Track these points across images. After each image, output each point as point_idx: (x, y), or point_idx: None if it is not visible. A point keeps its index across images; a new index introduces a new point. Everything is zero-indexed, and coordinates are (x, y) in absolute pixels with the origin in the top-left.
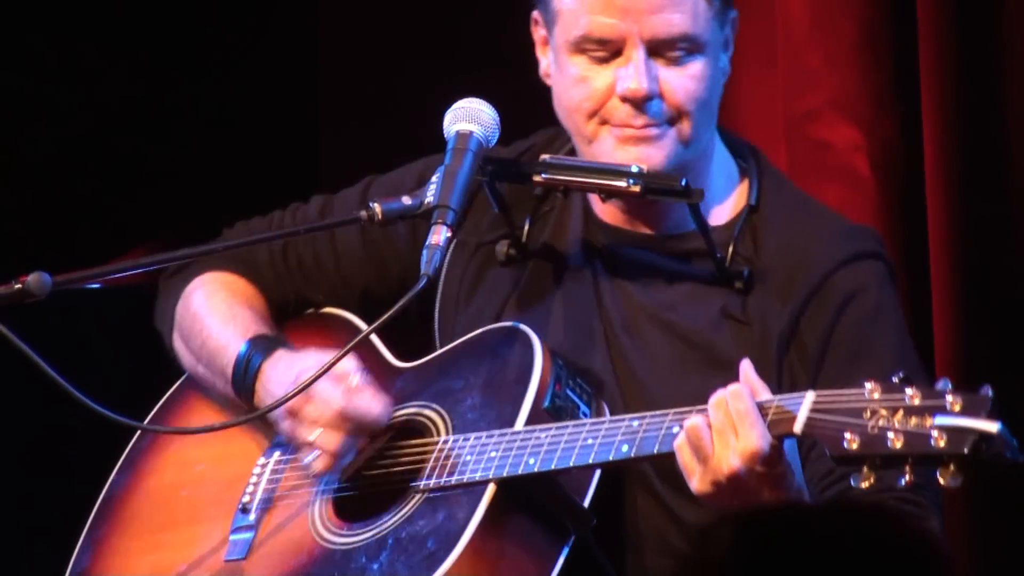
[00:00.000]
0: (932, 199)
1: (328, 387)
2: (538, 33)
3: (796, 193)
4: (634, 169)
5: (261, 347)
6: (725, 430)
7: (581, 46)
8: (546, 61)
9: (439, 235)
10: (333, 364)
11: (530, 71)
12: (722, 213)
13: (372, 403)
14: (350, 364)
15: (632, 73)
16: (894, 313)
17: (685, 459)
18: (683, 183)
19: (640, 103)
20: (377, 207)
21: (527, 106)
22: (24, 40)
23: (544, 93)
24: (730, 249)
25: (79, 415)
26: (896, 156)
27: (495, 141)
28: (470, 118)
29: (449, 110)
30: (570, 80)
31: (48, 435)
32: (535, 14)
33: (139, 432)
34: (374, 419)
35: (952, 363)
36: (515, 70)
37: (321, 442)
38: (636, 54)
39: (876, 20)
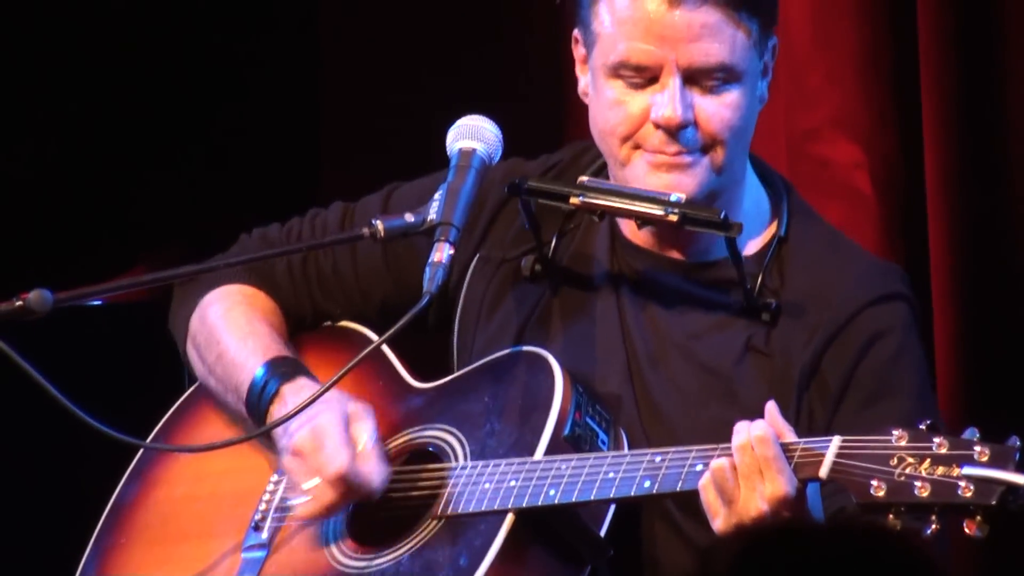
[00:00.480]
0: (933, 216)
1: (338, 444)
2: (578, 52)
3: (825, 228)
4: (673, 198)
5: (279, 372)
6: (752, 475)
7: (618, 71)
8: (585, 80)
9: (442, 252)
10: (337, 381)
11: (533, 97)
12: (751, 243)
13: (374, 474)
14: (367, 427)
15: (667, 100)
16: (916, 357)
17: (710, 499)
18: (722, 216)
19: (674, 131)
20: (379, 224)
21: (529, 133)
22: (27, 53)
23: (545, 119)
24: (758, 280)
25: (82, 428)
26: (897, 173)
27: (498, 158)
28: (473, 135)
29: (452, 127)
30: (606, 103)
31: (53, 445)
32: (576, 33)
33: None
34: (371, 491)
35: (954, 380)
36: (517, 97)
37: (316, 493)
38: (672, 81)
39: (876, 38)
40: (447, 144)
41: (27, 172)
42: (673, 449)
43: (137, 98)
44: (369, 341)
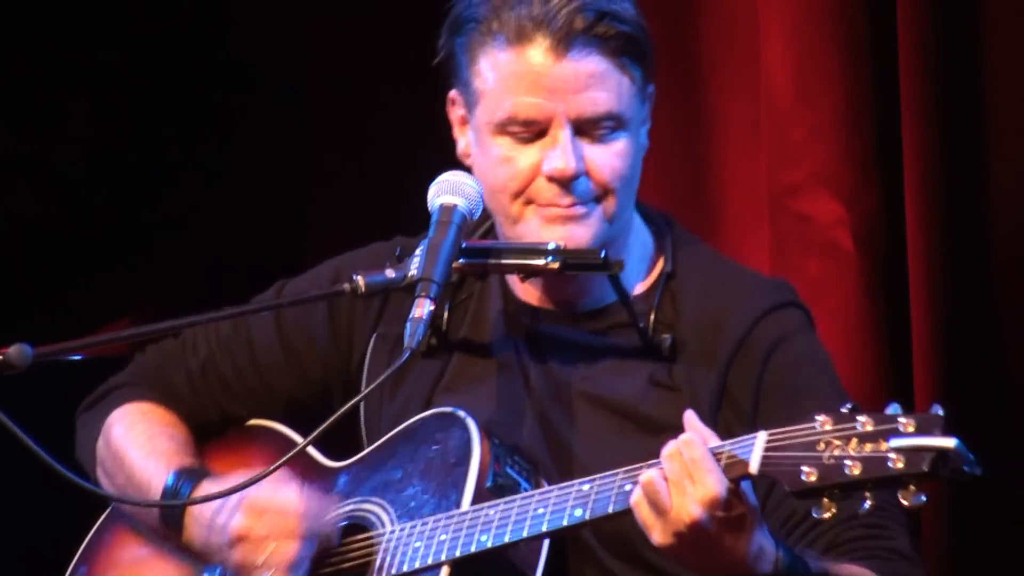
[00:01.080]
0: (914, 274)
1: (281, 498)
2: (455, 113)
3: (710, 254)
4: (551, 246)
5: (187, 477)
6: (681, 480)
7: (506, 127)
8: (465, 141)
9: (422, 308)
10: (270, 473)
11: None
12: (640, 283)
13: (326, 511)
14: (293, 485)
15: (560, 153)
16: (820, 355)
17: (644, 514)
18: (602, 255)
19: (567, 182)
20: (360, 279)
21: None
22: (12, 105)
23: None
24: (651, 318)
25: (59, 481)
26: (879, 230)
27: (479, 214)
28: (454, 191)
29: (433, 183)
30: (494, 160)
31: (30, 498)
32: (452, 94)
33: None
34: (329, 532)
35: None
36: None
37: (275, 558)
38: (562, 134)
39: (859, 93)
40: (428, 199)
41: (4, 227)
42: (600, 476)
43: (117, 151)
44: (282, 436)
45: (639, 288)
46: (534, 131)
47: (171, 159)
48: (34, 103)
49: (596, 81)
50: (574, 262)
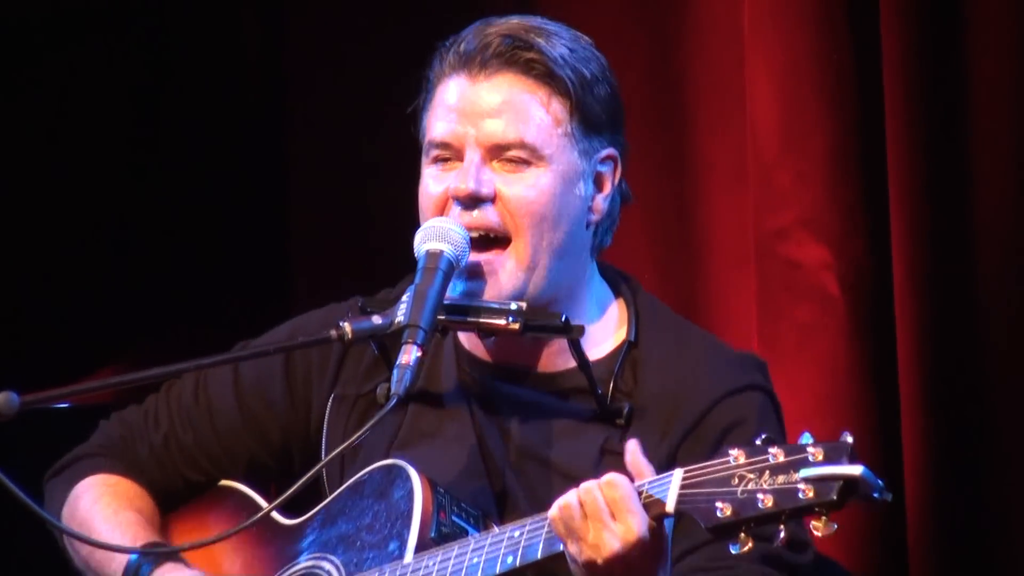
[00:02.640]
0: (901, 319)
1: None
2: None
3: (675, 322)
4: (513, 307)
5: (150, 557)
6: (598, 514)
7: (430, 152)
8: None
9: (409, 355)
10: (225, 537)
11: None
12: (600, 347)
13: None
14: None
15: (461, 174)
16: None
17: (560, 531)
18: (563, 319)
19: (468, 202)
20: (347, 326)
21: None
22: None
23: None
24: (610, 385)
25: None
26: (865, 276)
27: (465, 261)
28: (440, 237)
29: (420, 229)
30: (421, 192)
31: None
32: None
33: None
34: None
35: (922, 486)
36: None
37: None
38: (470, 155)
39: (846, 139)
40: (415, 246)
41: None
42: (530, 520)
43: (100, 201)
44: (247, 499)
45: (599, 353)
46: (453, 155)
47: (152, 207)
48: (13, 147)
49: (510, 108)
50: (535, 324)
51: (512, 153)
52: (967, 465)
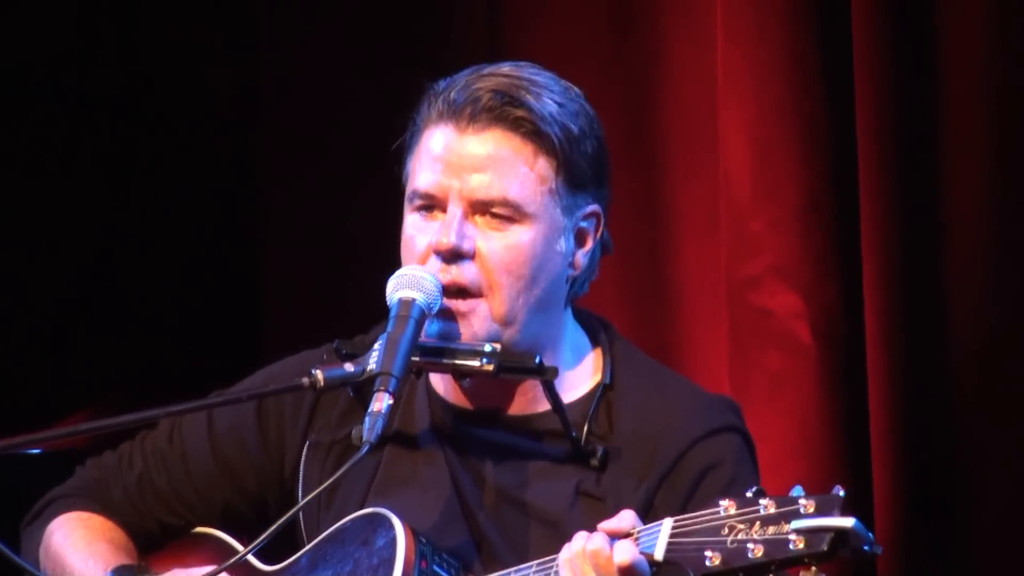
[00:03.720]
0: (873, 367)
1: None
2: None
3: (650, 366)
4: (487, 348)
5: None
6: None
7: (413, 202)
8: None
9: (381, 402)
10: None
11: None
12: (576, 390)
13: None
14: None
15: (443, 227)
16: (751, 483)
17: None
18: (537, 360)
19: (447, 257)
20: (319, 374)
21: None
22: None
23: None
24: (585, 428)
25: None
26: (837, 324)
27: (437, 309)
28: (413, 285)
29: (392, 277)
30: (403, 240)
31: None
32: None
33: None
34: None
35: (893, 535)
36: None
37: None
38: (452, 209)
39: (818, 187)
40: (387, 294)
41: None
42: (514, 570)
43: (73, 246)
44: (222, 544)
45: (574, 396)
46: (437, 207)
47: (126, 253)
48: None
49: (495, 164)
50: (509, 365)
51: (496, 210)
52: (939, 514)
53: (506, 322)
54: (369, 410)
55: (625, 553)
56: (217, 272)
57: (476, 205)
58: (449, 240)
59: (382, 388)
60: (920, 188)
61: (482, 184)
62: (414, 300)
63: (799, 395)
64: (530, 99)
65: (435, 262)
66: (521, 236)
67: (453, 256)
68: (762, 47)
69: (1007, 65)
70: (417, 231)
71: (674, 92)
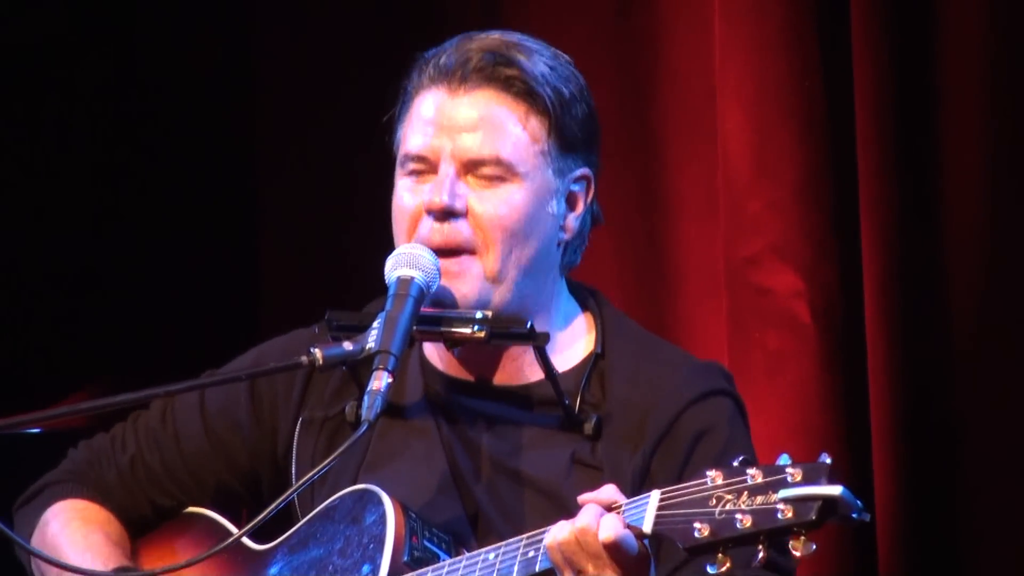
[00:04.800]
0: (872, 345)
1: None
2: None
3: (641, 335)
4: (478, 315)
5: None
6: (600, 553)
7: (405, 164)
8: None
9: (380, 380)
10: (197, 562)
11: None
12: (568, 359)
13: None
14: None
15: (435, 187)
16: (744, 447)
17: (557, 560)
18: (528, 326)
19: (440, 216)
20: (318, 352)
21: None
22: None
23: None
24: (578, 397)
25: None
26: (836, 303)
27: (436, 287)
28: (411, 264)
29: (391, 255)
30: (394, 205)
31: None
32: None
33: None
34: None
35: (892, 514)
36: None
37: None
38: (444, 168)
39: (817, 167)
40: (385, 272)
41: None
42: (504, 544)
43: (68, 227)
44: (217, 525)
45: (566, 365)
46: (428, 168)
47: (121, 234)
48: None
49: (485, 123)
50: (500, 331)
51: (487, 169)
52: (938, 493)
53: (497, 279)
54: (368, 388)
55: (611, 528)
56: (213, 254)
57: (468, 164)
58: (442, 199)
59: (381, 366)
60: (918, 167)
61: (474, 143)
62: (413, 279)
63: (798, 373)
64: (522, 59)
65: (427, 222)
66: (513, 194)
67: (446, 215)
68: (759, 27)
69: (1006, 41)
70: (410, 193)
71: (672, 73)
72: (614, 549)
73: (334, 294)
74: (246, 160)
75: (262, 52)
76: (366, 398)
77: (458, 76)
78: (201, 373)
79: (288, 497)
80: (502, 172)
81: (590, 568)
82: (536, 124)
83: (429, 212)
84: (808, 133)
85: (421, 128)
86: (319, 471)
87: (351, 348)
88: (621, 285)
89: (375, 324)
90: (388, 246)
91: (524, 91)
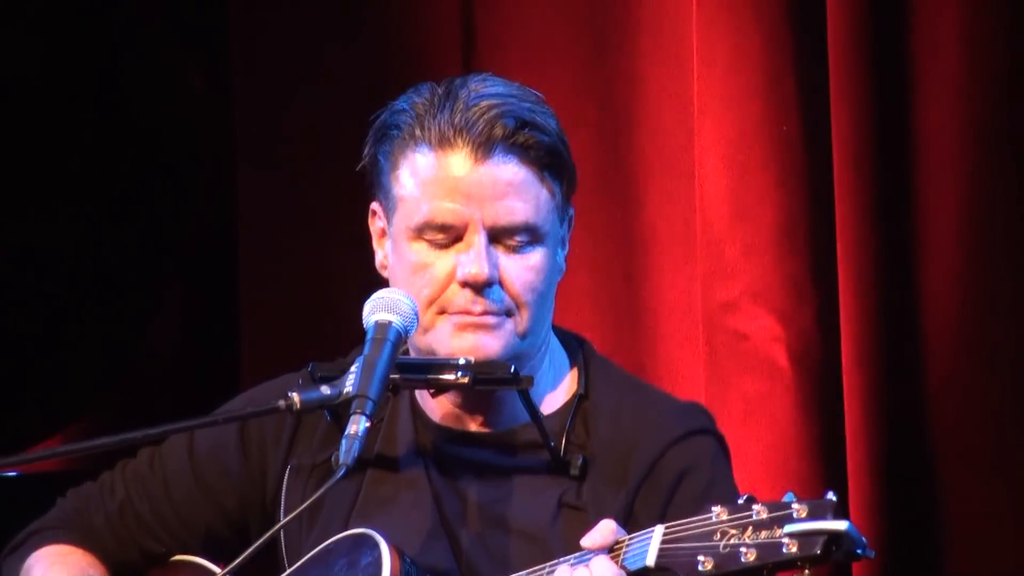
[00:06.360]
0: (849, 390)
1: None
2: (375, 226)
3: (624, 377)
4: (462, 361)
5: None
6: None
7: (423, 232)
8: (383, 253)
9: (357, 424)
10: None
11: None
12: (553, 403)
13: None
14: None
15: (474, 258)
16: (727, 486)
17: None
18: (512, 370)
19: (480, 288)
20: (295, 396)
21: None
22: None
23: None
24: (563, 439)
25: None
26: (814, 347)
27: (413, 331)
28: (389, 308)
29: (368, 300)
30: (410, 267)
31: None
32: (374, 206)
33: None
34: None
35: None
36: None
37: None
38: (477, 239)
39: (795, 211)
40: (363, 317)
41: None
42: None
43: (52, 267)
44: (204, 569)
45: (551, 408)
46: (450, 237)
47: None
48: None
49: (514, 190)
50: (484, 376)
51: (518, 236)
52: (917, 538)
53: (526, 335)
54: (346, 433)
55: (603, 570)
56: (193, 296)
57: (498, 232)
58: (483, 270)
59: (359, 411)
60: (896, 213)
61: (505, 211)
62: (391, 323)
63: (776, 418)
64: (538, 119)
65: (463, 293)
66: (540, 258)
67: (486, 286)
68: (737, 71)
69: (983, 88)
70: (431, 259)
71: (650, 115)
72: None
73: (316, 336)
74: (227, 200)
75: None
76: (343, 442)
77: (481, 143)
78: (179, 420)
79: (269, 537)
80: (530, 237)
81: None
82: (552, 182)
83: (468, 284)
84: (786, 178)
85: (444, 195)
86: (300, 511)
87: (329, 392)
88: (598, 326)
89: (352, 368)
90: (371, 284)
91: (545, 153)
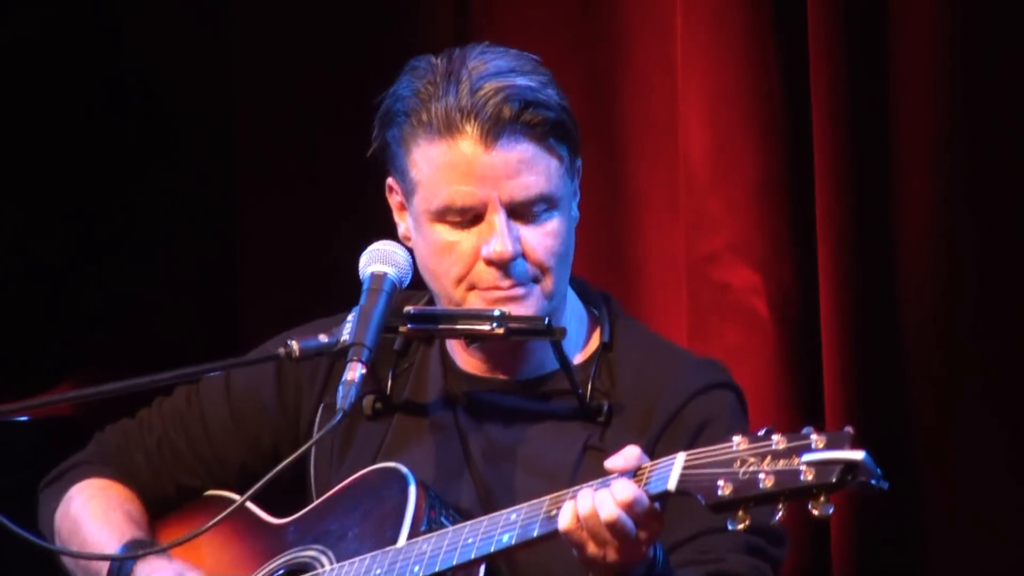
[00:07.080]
0: (827, 340)
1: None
2: (394, 199)
3: (646, 332)
4: (496, 312)
5: (135, 549)
6: (624, 530)
7: (443, 215)
8: (404, 225)
9: (354, 372)
10: (207, 529)
11: None
12: (578, 354)
13: None
14: None
15: (496, 237)
16: None
17: (580, 538)
18: (546, 322)
19: (506, 265)
20: (295, 344)
21: None
22: None
23: None
24: (589, 386)
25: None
26: (793, 299)
27: (408, 282)
28: (384, 260)
29: (365, 252)
30: (435, 247)
31: None
32: (390, 181)
33: None
34: None
35: (845, 511)
36: None
37: None
38: (497, 218)
39: (775, 167)
40: (360, 268)
41: None
42: (526, 504)
43: (57, 217)
44: (232, 501)
45: (576, 358)
46: (470, 217)
47: (104, 225)
48: None
49: (526, 166)
50: (518, 328)
51: (535, 208)
52: (895, 484)
53: (553, 296)
54: (343, 379)
55: (625, 491)
56: (194, 252)
57: (516, 207)
58: (507, 248)
59: (355, 358)
60: (873, 169)
61: (520, 187)
62: (386, 274)
63: (756, 367)
64: (540, 97)
65: (489, 271)
66: (557, 222)
67: (511, 261)
68: (720, 32)
69: (958, 49)
70: (455, 238)
71: (635, 75)
72: (628, 508)
73: (314, 292)
74: (227, 160)
75: (243, 53)
76: (340, 388)
77: (490, 127)
78: (180, 367)
79: (290, 463)
80: (547, 205)
81: (613, 539)
82: (561, 149)
83: (493, 263)
84: (766, 135)
85: (460, 179)
86: (307, 447)
87: (326, 340)
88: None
89: (349, 317)
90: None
91: (552, 127)
